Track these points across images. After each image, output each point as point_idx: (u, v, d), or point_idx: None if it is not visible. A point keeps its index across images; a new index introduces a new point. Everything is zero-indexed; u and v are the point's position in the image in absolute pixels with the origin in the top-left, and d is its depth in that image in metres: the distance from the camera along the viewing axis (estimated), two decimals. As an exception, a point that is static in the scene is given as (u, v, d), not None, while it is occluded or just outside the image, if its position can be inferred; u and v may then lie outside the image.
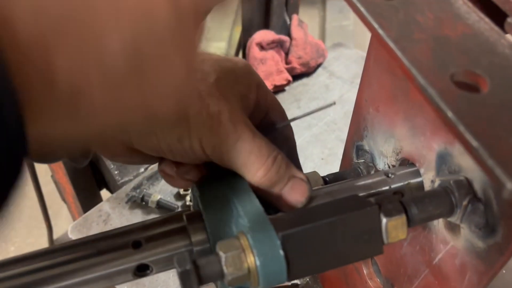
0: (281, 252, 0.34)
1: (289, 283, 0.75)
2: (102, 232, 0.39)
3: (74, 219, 1.30)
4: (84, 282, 0.37)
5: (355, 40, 1.64)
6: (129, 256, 0.38)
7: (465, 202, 0.38)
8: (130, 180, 1.00)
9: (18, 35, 0.22)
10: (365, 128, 0.52)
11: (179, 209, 0.95)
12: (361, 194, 0.44)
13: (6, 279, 0.35)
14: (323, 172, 0.47)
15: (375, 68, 0.49)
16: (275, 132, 0.47)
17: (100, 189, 1.16)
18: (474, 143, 0.28)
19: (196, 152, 0.39)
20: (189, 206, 0.96)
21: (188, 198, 0.97)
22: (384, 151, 0.49)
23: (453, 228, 0.41)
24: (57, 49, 0.23)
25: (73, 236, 0.89)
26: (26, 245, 1.91)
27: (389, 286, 0.53)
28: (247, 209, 0.38)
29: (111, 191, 1.07)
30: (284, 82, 1.19)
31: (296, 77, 1.24)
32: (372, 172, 0.51)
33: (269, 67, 1.18)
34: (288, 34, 1.24)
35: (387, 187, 0.44)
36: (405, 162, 0.46)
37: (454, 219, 0.39)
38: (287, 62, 1.22)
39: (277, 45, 1.22)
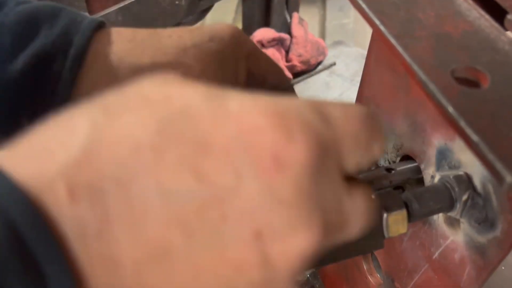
0: None
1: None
2: None
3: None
4: None
5: (355, 39, 1.65)
6: None
7: (464, 197, 0.38)
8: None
9: None
10: (366, 124, 0.52)
11: None
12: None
13: None
14: (324, 168, 0.48)
15: (376, 65, 0.49)
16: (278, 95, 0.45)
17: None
18: (475, 137, 0.28)
19: None
20: None
21: None
22: (384, 147, 0.50)
23: (452, 223, 0.41)
24: None
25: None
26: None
27: (389, 282, 0.54)
28: None
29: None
30: (285, 80, 1.19)
31: (297, 74, 1.24)
32: (373, 168, 0.51)
33: (269, 65, 1.18)
34: (289, 32, 1.24)
35: (388, 182, 0.45)
36: (406, 158, 0.47)
37: (454, 214, 0.39)
38: (287, 60, 1.23)
39: (278, 43, 1.22)
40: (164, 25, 0.94)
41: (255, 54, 0.43)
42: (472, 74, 0.33)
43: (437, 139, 0.41)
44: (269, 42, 1.20)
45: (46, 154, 0.21)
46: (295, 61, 1.22)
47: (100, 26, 0.39)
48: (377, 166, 0.52)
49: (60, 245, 0.20)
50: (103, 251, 0.20)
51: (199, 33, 0.40)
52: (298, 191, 0.21)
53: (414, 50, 0.34)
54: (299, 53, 1.21)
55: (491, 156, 0.27)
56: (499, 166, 0.27)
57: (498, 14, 0.37)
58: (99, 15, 0.86)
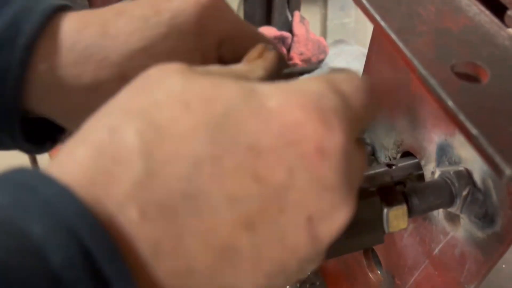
0: None
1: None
2: None
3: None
4: None
5: (356, 38, 1.65)
6: None
7: (465, 193, 0.38)
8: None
9: None
10: (367, 121, 0.53)
11: None
12: (362, 185, 0.44)
13: None
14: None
15: (376, 62, 0.49)
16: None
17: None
18: (474, 131, 0.28)
19: None
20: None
21: None
22: (385, 143, 0.50)
23: (453, 219, 0.41)
24: None
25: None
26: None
27: (389, 278, 0.54)
28: None
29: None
30: (286, 79, 1.19)
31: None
32: (373, 165, 0.52)
33: (270, 63, 1.18)
34: (290, 31, 1.25)
35: (388, 178, 0.45)
36: (406, 154, 0.47)
37: (454, 209, 0.39)
38: (288, 58, 1.23)
39: (279, 41, 1.22)
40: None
41: (233, 37, 0.37)
42: (472, 69, 0.33)
43: (438, 135, 0.42)
44: (270, 40, 1.20)
45: (107, 177, 0.21)
46: (297, 59, 1.22)
47: (61, 9, 0.35)
48: (377, 163, 0.52)
49: (132, 268, 0.21)
50: (177, 264, 0.22)
51: (156, 24, 0.35)
52: (339, 176, 0.23)
53: (414, 45, 0.34)
54: (301, 52, 1.22)
55: (490, 150, 0.27)
56: (498, 159, 0.27)
57: (498, 10, 0.37)
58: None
